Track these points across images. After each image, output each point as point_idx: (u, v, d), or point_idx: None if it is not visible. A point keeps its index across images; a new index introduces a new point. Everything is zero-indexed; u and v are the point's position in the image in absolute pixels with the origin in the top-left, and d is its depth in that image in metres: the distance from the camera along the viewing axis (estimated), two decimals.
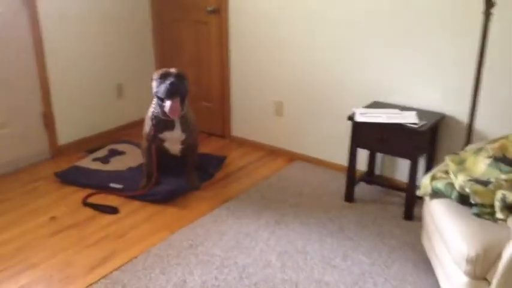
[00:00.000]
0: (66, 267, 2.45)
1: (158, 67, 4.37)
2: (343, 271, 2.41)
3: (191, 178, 3.23)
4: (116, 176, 3.31)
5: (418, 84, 3.00)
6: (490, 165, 2.11)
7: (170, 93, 2.86)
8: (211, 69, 4.01)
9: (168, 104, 2.87)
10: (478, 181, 2.01)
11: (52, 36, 3.53)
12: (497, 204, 1.90)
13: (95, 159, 3.55)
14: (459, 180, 2.05)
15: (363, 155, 3.23)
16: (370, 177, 3.29)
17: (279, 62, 3.59)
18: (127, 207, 3.01)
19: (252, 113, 3.91)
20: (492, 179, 2.00)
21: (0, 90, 3.33)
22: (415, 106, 3.04)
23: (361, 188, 3.22)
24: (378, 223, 2.84)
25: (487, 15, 2.46)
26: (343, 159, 3.34)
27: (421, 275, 2.37)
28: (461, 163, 2.21)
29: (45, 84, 3.55)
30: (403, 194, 2.94)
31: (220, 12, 3.76)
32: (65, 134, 3.77)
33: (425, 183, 2.21)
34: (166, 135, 3.04)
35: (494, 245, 1.78)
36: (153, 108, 3.02)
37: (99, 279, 2.35)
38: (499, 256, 1.75)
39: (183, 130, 3.05)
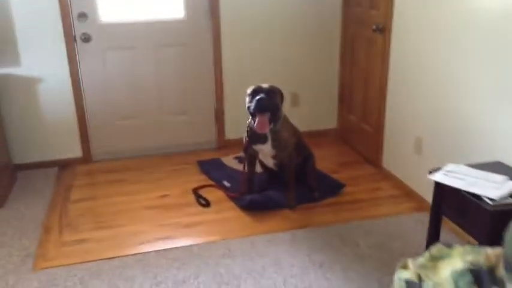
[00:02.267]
0: (130, 236, 2.90)
1: (341, 81, 4.30)
2: None
3: (288, 196, 3.17)
4: (236, 175, 3.55)
5: None
6: (452, 274, 1.37)
7: (258, 109, 2.91)
8: (373, 92, 3.70)
9: (256, 119, 2.93)
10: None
11: (230, 42, 3.97)
12: None
13: (235, 157, 3.88)
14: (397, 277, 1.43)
15: None
16: None
17: (430, 96, 3.03)
18: (220, 205, 3.23)
19: (398, 145, 3.43)
20: None
21: (185, 85, 4.05)
22: None
23: None
24: None
25: None
26: None
27: None
28: (438, 259, 1.50)
29: (220, 85, 4.08)
30: None
31: (385, 32, 3.41)
32: (233, 130, 4.22)
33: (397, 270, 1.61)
34: (258, 147, 3.10)
35: None
36: (249, 121, 3.11)
37: (134, 254, 2.71)
38: None
39: (274, 146, 3.04)
